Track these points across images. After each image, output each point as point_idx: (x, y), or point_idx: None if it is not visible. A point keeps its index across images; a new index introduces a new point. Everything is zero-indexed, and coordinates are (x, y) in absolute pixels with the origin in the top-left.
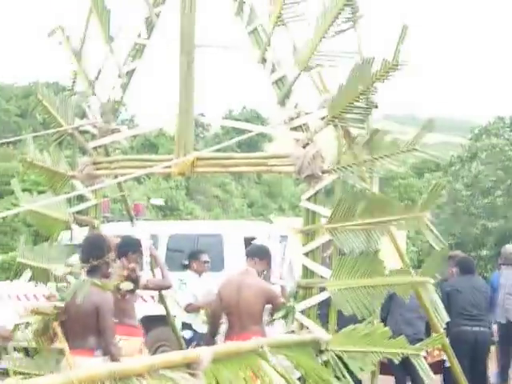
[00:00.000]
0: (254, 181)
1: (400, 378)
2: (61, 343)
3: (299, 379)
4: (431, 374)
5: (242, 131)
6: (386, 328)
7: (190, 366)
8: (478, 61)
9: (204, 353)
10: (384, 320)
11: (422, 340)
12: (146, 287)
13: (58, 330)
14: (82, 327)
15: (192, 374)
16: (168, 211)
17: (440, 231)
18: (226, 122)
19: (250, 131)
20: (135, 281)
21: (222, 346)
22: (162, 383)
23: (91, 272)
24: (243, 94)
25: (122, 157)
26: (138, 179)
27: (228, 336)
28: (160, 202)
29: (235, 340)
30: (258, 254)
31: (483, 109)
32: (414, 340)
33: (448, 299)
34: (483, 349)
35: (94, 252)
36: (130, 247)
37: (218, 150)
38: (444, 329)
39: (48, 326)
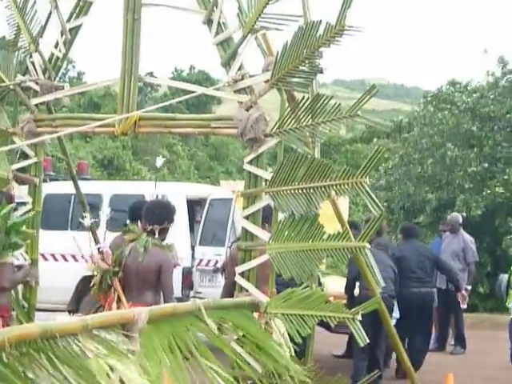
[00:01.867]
0: (201, 143)
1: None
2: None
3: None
4: (366, 338)
5: (189, 92)
6: (323, 292)
7: (125, 327)
8: (428, 27)
9: (140, 313)
10: (353, 282)
11: (394, 298)
12: None
13: (118, 285)
14: (142, 283)
15: (127, 335)
16: (114, 171)
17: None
18: (171, 83)
19: (195, 92)
20: None
21: (159, 306)
22: (95, 343)
23: (159, 233)
24: (192, 54)
25: (64, 115)
26: (84, 138)
27: None
28: (161, 161)
29: None
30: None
31: (433, 75)
32: (386, 298)
33: (397, 264)
34: (430, 308)
35: (169, 216)
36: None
37: (166, 111)
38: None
39: (104, 279)
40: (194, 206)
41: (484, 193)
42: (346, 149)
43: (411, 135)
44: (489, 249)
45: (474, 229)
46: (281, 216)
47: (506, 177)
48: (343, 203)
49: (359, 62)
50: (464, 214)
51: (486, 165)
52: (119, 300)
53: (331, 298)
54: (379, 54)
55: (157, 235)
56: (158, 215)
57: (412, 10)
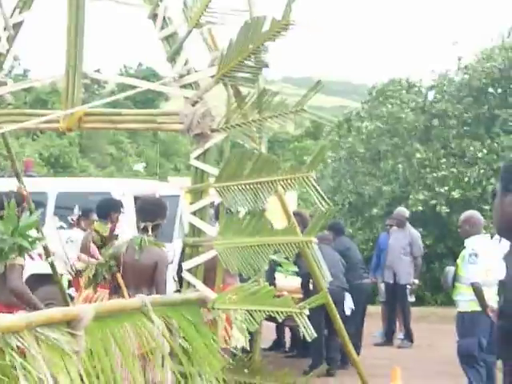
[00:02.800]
0: (149, 140)
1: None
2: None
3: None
4: (314, 332)
5: (136, 88)
6: (271, 287)
7: (70, 324)
8: (372, 24)
9: (85, 310)
10: (307, 277)
11: (346, 290)
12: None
13: (120, 280)
14: (138, 280)
15: (72, 333)
16: (61, 168)
17: (336, 189)
18: (117, 78)
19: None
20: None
21: (105, 303)
22: (39, 341)
23: (152, 230)
24: (139, 51)
25: (7, 111)
26: (31, 136)
27: None
28: (141, 166)
29: None
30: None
31: (380, 72)
32: (339, 291)
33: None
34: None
35: (161, 212)
36: (112, 208)
37: (113, 108)
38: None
39: (99, 273)
40: None
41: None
42: (294, 146)
43: (360, 129)
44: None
45: (428, 224)
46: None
47: (466, 179)
48: (291, 198)
49: (307, 59)
50: (421, 208)
51: (455, 170)
52: (114, 293)
53: (285, 293)
54: (327, 50)
55: (150, 232)
56: (151, 212)
57: (358, 7)
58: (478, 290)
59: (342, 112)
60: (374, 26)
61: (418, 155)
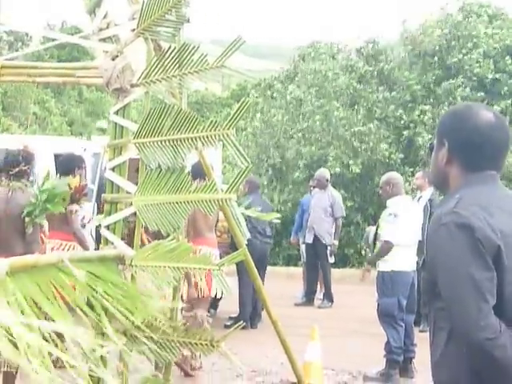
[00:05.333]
0: (75, 99)
1: None
2: None
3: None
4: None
5: (60, 45)
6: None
7: None
8: None
9: None
10: None
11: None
12: None
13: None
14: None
15: None
16: None
17: (257, 155)
18: (39, 31)
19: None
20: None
21: (19, 258)
22: None
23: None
24: (64, 8)
25: None
26: None
27: None
28: (104, 124)
29: None
30: None
31: (307, 36)
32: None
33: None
34: None
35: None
36: (76, 163)
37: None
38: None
39: None
40: None
41: (360, 149)
42: (228, 111)
43: (284, 94)
44: (361, 208)
45: (349, 186)
46: None
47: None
48: (216, 161)
49: (236, 22)
50: (338, 170)
51: (372, 126)
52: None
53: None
54: (257, 14)
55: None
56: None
57: None
58: (384, 248)
59: (269, 75)
60: None
61: (336, 113)
